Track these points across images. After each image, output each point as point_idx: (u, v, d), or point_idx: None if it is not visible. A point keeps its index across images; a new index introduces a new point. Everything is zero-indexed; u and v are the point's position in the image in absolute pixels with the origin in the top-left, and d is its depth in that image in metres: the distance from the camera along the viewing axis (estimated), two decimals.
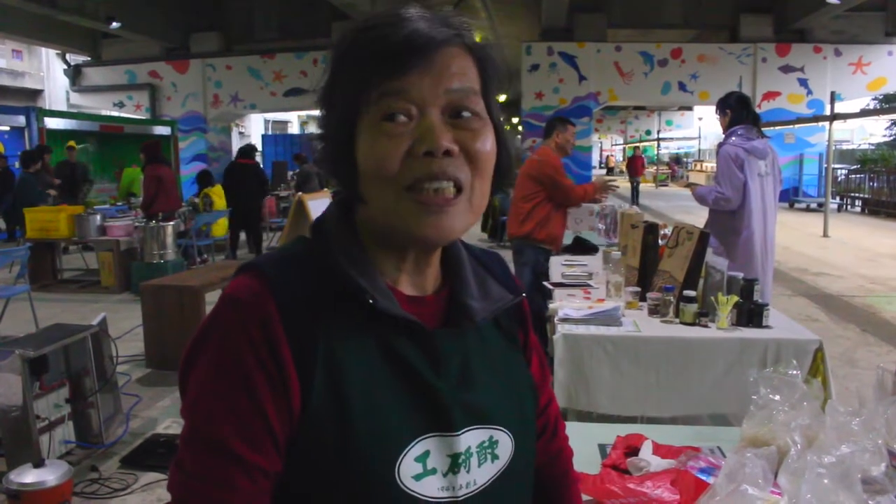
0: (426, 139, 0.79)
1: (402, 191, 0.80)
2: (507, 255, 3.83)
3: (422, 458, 0.82)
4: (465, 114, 0.82)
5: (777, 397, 1.64)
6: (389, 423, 0.81)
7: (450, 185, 0.80)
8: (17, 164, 12.40)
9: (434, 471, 0.83)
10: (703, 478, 1.59)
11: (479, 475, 0.87)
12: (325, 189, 11.02)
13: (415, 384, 0.83)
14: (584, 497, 1.60)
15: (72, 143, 13.06)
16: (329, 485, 0.79)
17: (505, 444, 0.90)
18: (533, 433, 1.00)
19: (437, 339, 0.86)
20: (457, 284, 0.93)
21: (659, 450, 1.84)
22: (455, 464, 0.84)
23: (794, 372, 1.68)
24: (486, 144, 0.83)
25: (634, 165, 23.81)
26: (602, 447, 1.96)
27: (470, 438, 0.86)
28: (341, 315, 0.82)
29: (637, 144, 30.12)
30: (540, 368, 1.07)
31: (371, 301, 0.81)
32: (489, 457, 0.88)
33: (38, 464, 3.20)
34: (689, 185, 5.22)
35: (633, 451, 1.86)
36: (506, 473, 0.90)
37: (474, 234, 12.73)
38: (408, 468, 0.81)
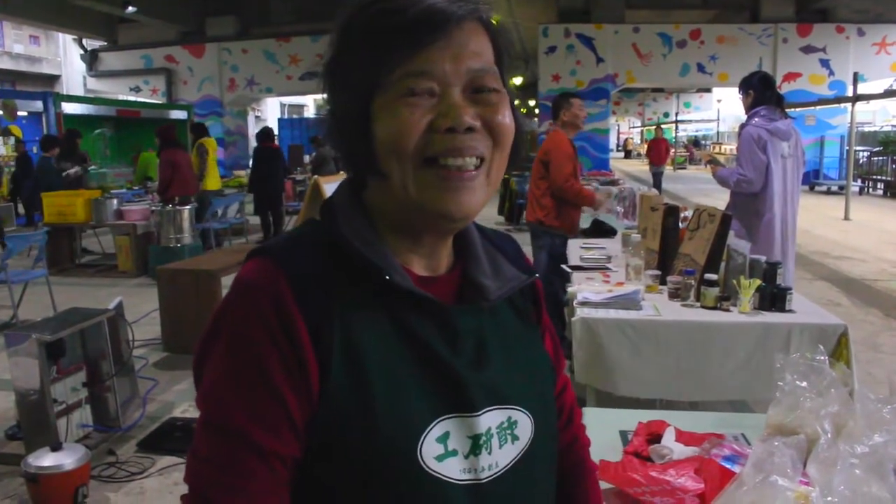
0: (449, 115, 0.78)
1: (421, 164, 0.80)
2: (524, 238, 3.79)
3: (442, 439, 0.80)
4: (486, 89, 0.81)
5: (804, 384, 1.59)
6: (410, 403, 0.79)
7: (472, 160, 0.80)
8: (34, 150, 12.46)
9: (455, 452, 0.81)
10: (728, 466, 1.55)
11: (501, 457, 0.85)
12: (342, 172, 11.00)
13: (432, 363, 0.82)
14: (606, 485, 1.56)
15: None
16: (351, 466, 0.78)
17: (524, 424, 0.88)
18: (553, 412, 0.97)
19: (452, 317, 0.85)
20: (469, 263, 0.92)
21: (682, 437, 1.80)
22: (476, 445, 0.83)
23: (822, 357, 1.63)
24: (507, 118, 0.83)
25: (658, 151, 18.28)
26: (623, 434, 1.92)
27: (490, 419, 0.84)
28: (355, 293, 0.81)
29: (656, 125, 26.40)
30: (553, 351, 1.04)
31: (388, 277, 0.80)
32: (509, 438, 0.86)
33: (56, 447, 3.22)
34: (710, 162, 5.10)
35: (655, 437, 1.82)
36: (527, 455, 0.88)
37: (491, 218, 12.69)
38: (429, 449, 0.79)
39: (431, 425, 0.79)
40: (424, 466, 0.78)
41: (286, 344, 0.76)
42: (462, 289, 0.90)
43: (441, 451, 0.80)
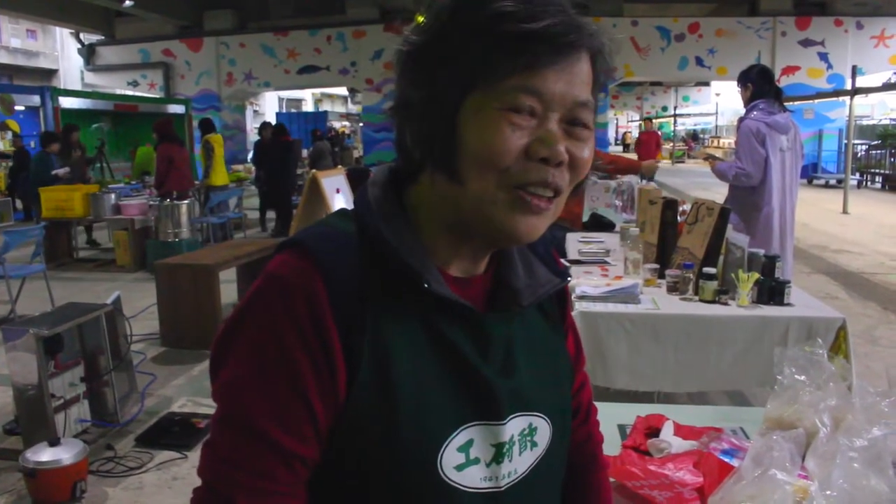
0: (547, 144, 0.75)
1: (503, 185, 0.76)
2: None
3: (464, 448, 0.79)
4: (578, 123, 0.78)
5: (803, 377, 1.58)
6: (435, 411, 0.78)
7: (550, 193, 0.78)
8: (32, 144, 12.43)
9: (477, 461, 0.81)
10: (727, 460, 1.55)
11: (521, 463, 0.85)
12: (339, 166, 11.01)
13: (462, 370, 0.80)
14: None
15: None
16: (370, 473, 0.77)
17: (543, 430, 0.88)
18: (569, 418, 0.97)
19: (485, 324, 0.83)
20: (503, 266, 0.89)
21: (680, 430, 1.80)
22: (499, 454, 0.82)
23: (820, 351, 1.62)
24: (587, 153, 0.80)
25: (648, 146, 17.18)
26: (622, 427, 1.92)
27: (513, 426, 0.84)
28: (389, 295, 0.78)
29: (645, 119, 23.57)
30: (575, 349, 1.04)
31: (426, 285, 0.77)
32: (529, 444, 0.86)
33: (54, 442, 3.22)
34: (707, 158, 5.10)
35: (653, 431, 1.82)
36: (544, 460, 0.88)
37: None
38: (450, 458, 0.78)
39: (455, 433, 0.79)
40: (443, 476, 0.78)
41: (316, 343, 0.74)
42: (494, 290, 0.88)
43: (462, 461, 0.79)
